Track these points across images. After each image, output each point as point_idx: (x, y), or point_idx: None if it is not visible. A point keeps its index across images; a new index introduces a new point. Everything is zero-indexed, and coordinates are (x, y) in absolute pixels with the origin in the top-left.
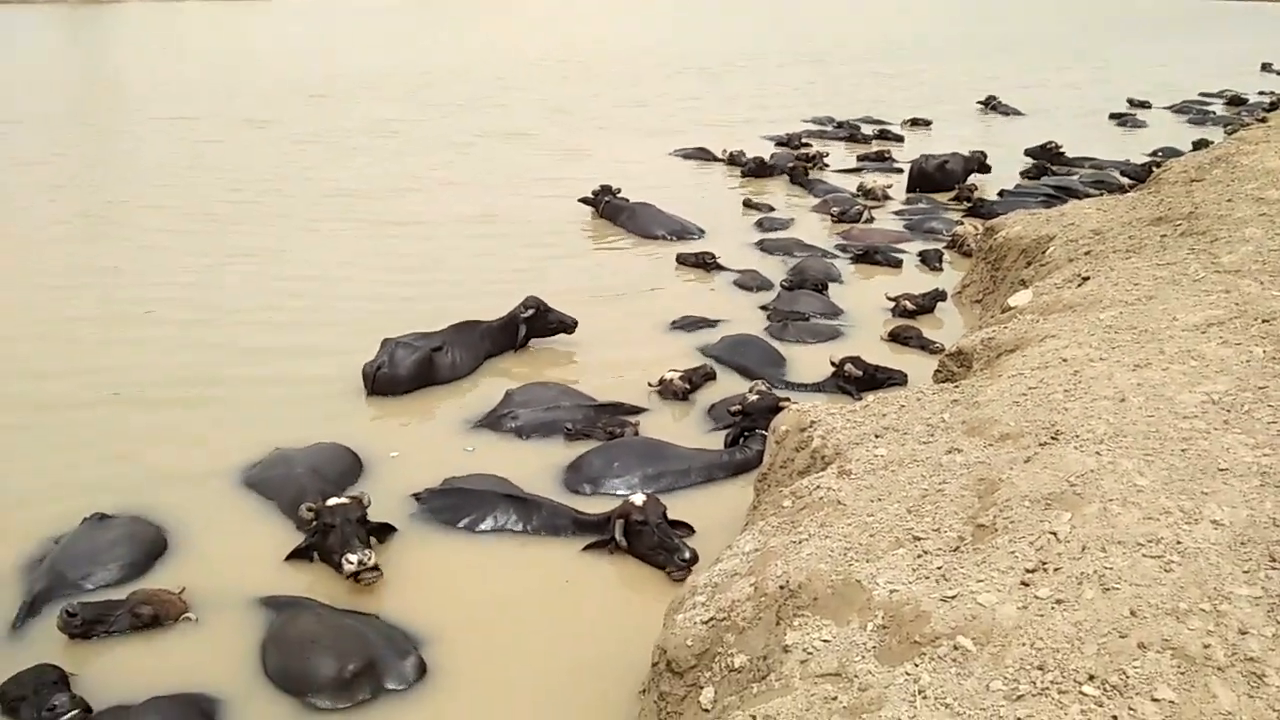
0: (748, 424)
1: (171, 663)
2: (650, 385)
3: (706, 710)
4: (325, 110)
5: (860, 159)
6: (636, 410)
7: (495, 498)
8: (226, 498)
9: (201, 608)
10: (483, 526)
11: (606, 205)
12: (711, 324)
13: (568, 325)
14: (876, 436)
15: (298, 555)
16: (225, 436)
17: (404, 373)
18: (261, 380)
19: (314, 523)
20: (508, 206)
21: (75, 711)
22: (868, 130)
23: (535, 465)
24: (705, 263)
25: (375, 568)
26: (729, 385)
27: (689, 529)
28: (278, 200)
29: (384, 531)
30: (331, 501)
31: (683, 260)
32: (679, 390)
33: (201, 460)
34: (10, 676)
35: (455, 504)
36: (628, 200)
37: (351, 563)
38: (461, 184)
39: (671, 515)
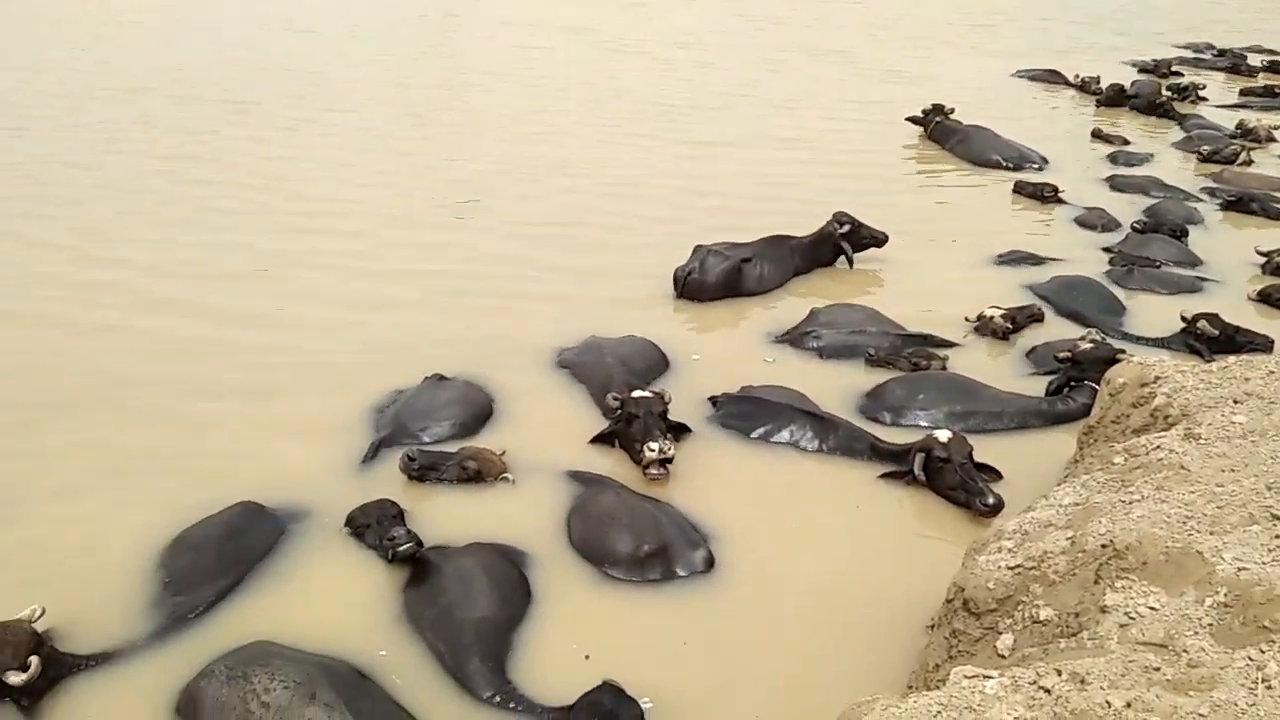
0: (1075, 374)
1: (488, 515)
2: (968, 320)
3: (1003, 656)
4: (638, 16)
5: (1244, 93)
6: (947, 344)
7: (792, 411)
8: (545, 376)
9: (518, 471)
10: (777, 438)
11: (936, 126)
12: (1040, 261)
13: (879, 239)
14: (1235, 402)
15: (601, 440)
16: (549, 321)
17: (712, 280)
18: (583, 273)
19: (618, 411)
20: (819, 128)
21: (410, 544)
22: (1255, 61)
23: (833, 386)
24: (1044, 195)
25: (669, 460)
26: (1055, 329)
27: (995, 474)
28: (590, 110)
29: (680, 430)
30: (636, 394)
31: (1020, 190)
32: (999, 329)
33: (527, 339)
34: (358, 506)
35: (751, 413)
36: (960, 123)
37: (653, 450)
38: (771, 103)
39: (978, 457)
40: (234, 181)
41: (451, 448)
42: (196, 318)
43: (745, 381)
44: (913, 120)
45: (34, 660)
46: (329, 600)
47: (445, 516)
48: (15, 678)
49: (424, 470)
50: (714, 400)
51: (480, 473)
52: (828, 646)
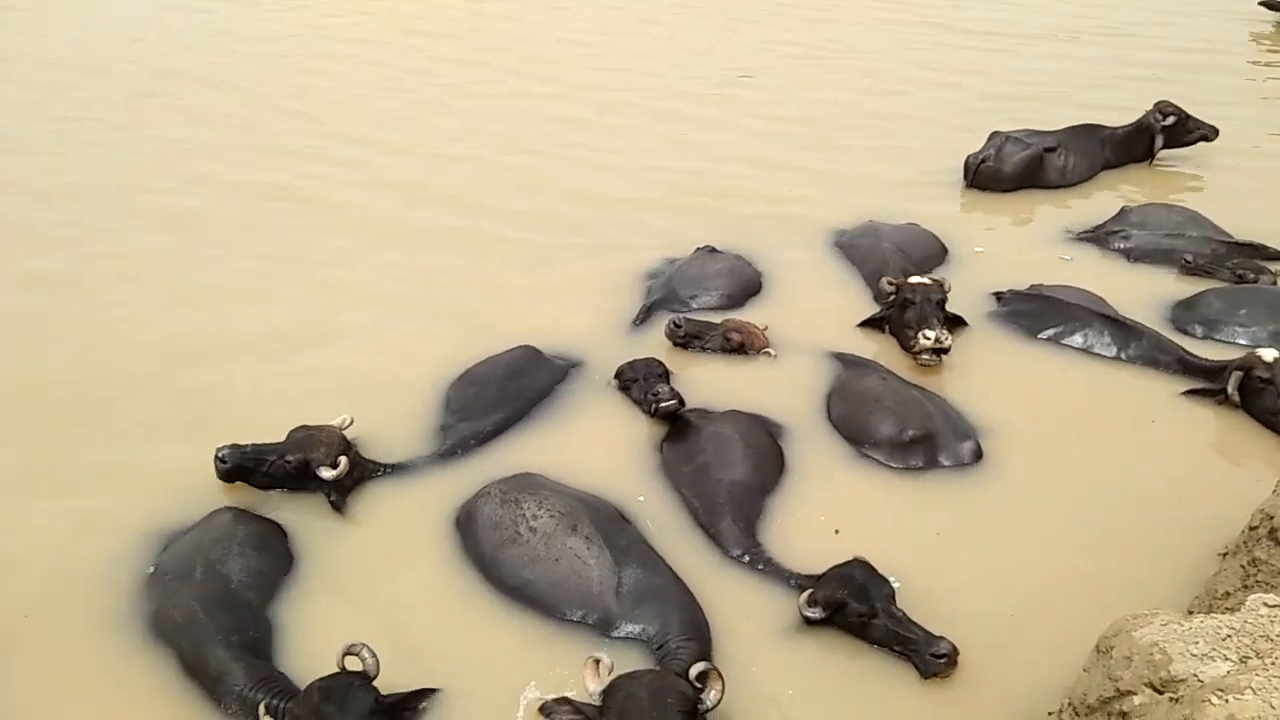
0: None
1: (747, 386)
2: None
3: None
4: None
5: None
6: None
7: (1089, 314)
8: (818, 256)
9: (780, 347)
10: (1067, 341)
11: None
12: None
13: (1208, 133)
14: None
15: (871, 324)
16: (826, 202)
17: (1009, 169)
18: (865, 154)
19: (893, 296)
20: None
21: (673, 401)
22: None
23: (1139, 292)
24: None
25: (945, 350)
26: None
27: None
28: None
29: (956, 323)
30: (914, 279)
31: None
32: None
33: (803, 218)
34: (627, 362)
35: (1040, 311)
36: None
37: (928, 339)
38: None
39: None
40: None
41: (717, 318)
42: (488, 184)
43: (1035, 279)
44: (1268, 4)
45: (343, 460)
46: (594, 444)
47: (706, 383)
48: (327, 473)
49: (688, 338)
50: (999, 296)
51: (743, 345)
52: (1099, 558)
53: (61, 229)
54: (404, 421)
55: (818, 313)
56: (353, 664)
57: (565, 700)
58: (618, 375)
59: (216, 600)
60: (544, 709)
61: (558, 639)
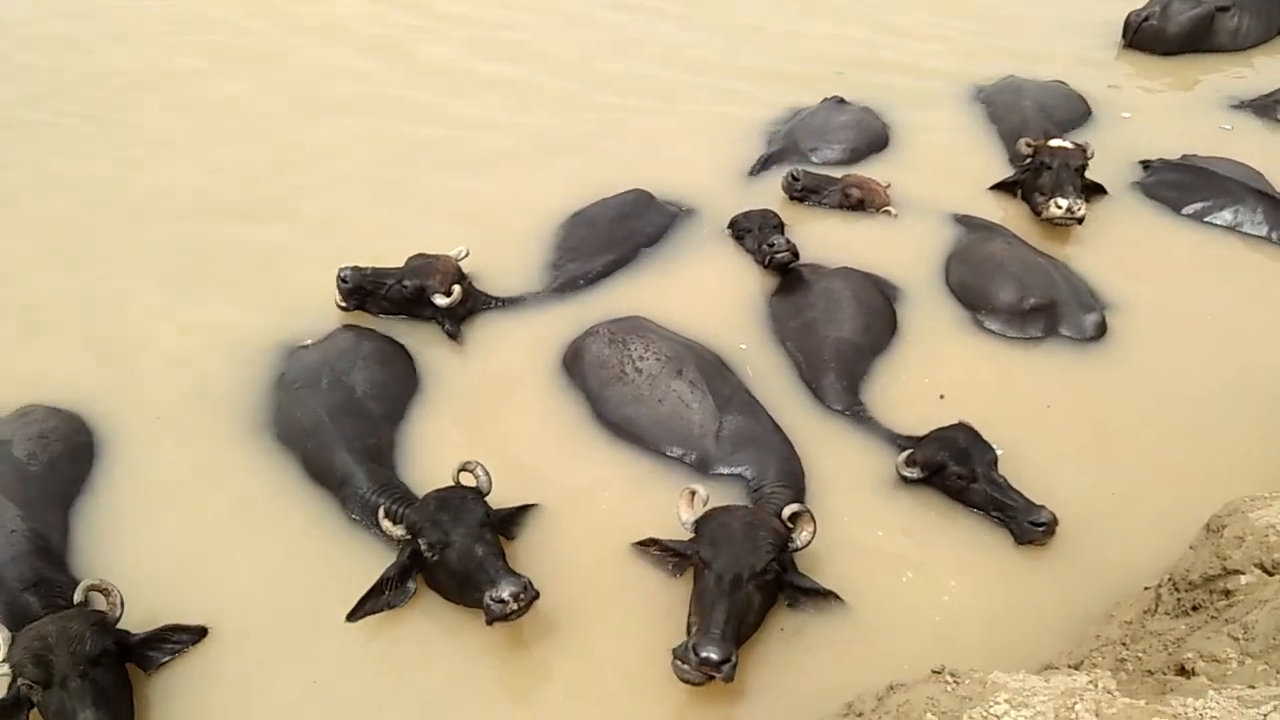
0: None
1: (863, 244)
2: None
3: None
4: None
5: None
6: None
7: (1242, 189)
8: (952, 113)
9: (902, 206)
10: (1214, 217)
11: None
12: None
13: None
14: None
15: (1003, 187)
16: (964, 53)
17: (1174, 29)
18: (1010, 5)
19: (1030, 159)
20: None
21: (786, 253)
22: None
23: None
24: None
25: (1079, 219)
26: None
27: None
28: None
29: (1094, 191)
30: (1054, 143)
31: None
32: None
33: (941, 73)
34: (742, 211)
35: (1189, 184)
36: None
37: (1060, 207)
38: None
39: None
40: None
41: (838, 172)
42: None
43: (1188, 149)
44: None
45: (456, 289)
46: (702, 291)
47: (821, 238)
48: (441, 300)
49: (805, 191)
50: (1146, 164)
51: (862, 201)
52: (1215, 447)
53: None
54: (517, 257)
55: (946, 173)
56: (467, 480)
57: (654, 541)
58: (732, 224)
59: (342, 408)
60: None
61: (656, 473)
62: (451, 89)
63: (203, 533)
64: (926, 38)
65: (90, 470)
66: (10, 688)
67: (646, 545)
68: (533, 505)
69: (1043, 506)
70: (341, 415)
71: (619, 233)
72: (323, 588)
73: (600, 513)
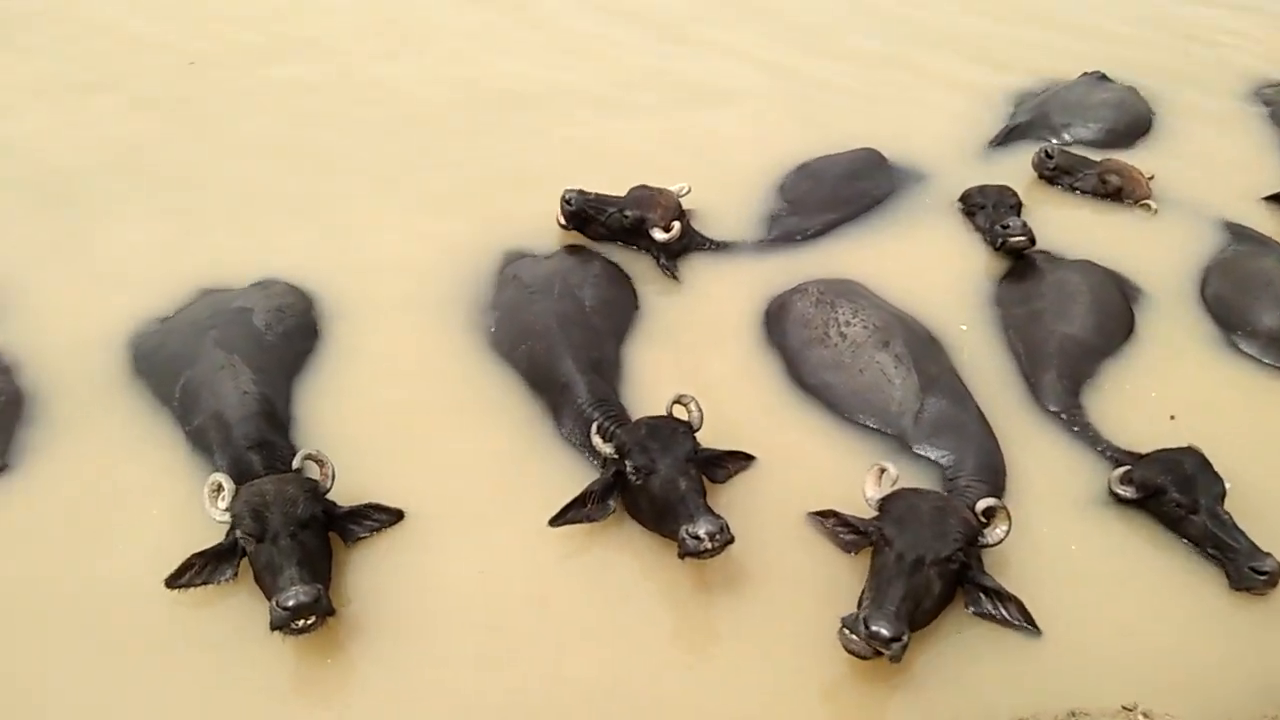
0: None
1: (1112, 237)
2: None
3: None
4: None
5: None
6: None
7: None
8: (1234, 105)
9: (1164, 201)
10: None
11: None
12: None
13: None
14: None
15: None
16: (1253, 45)
17: None
18: None
19: None
20: None
21: (1023, 237)
22: None
23: None
24: None
25: None
26: None
27: None
28: None
29: None
30: None
31: None
32: None
33: (1220, 64)
34: (977, 185)
35: None
36: None
37: None
38: None
39: None
40: None
41: (1095, 155)
42: None
43: None
44: None
45: (675, 225)
46: (923, 264)
47: (1063, 224)
48: (659, 234)
49: (1058, 171)
50: None
51: (1120, 190)
52: None
53: None
54: (736, 200)
55: (1218, 171)
56: (679, 413)
57: (832, 513)
58: (964, 198)
59: (572, 317)
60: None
61: (845, 444)
62: (706, 11)
63: (411, 421)
64: (1208, 27)
65: (316, 347)
66: (228, 534)
67: (824, 516)
68: (746, 456)
69: (1269, 554)
70: (571, 324)
71: (844, 191)
72: (515, 490)
73: (784, 475)
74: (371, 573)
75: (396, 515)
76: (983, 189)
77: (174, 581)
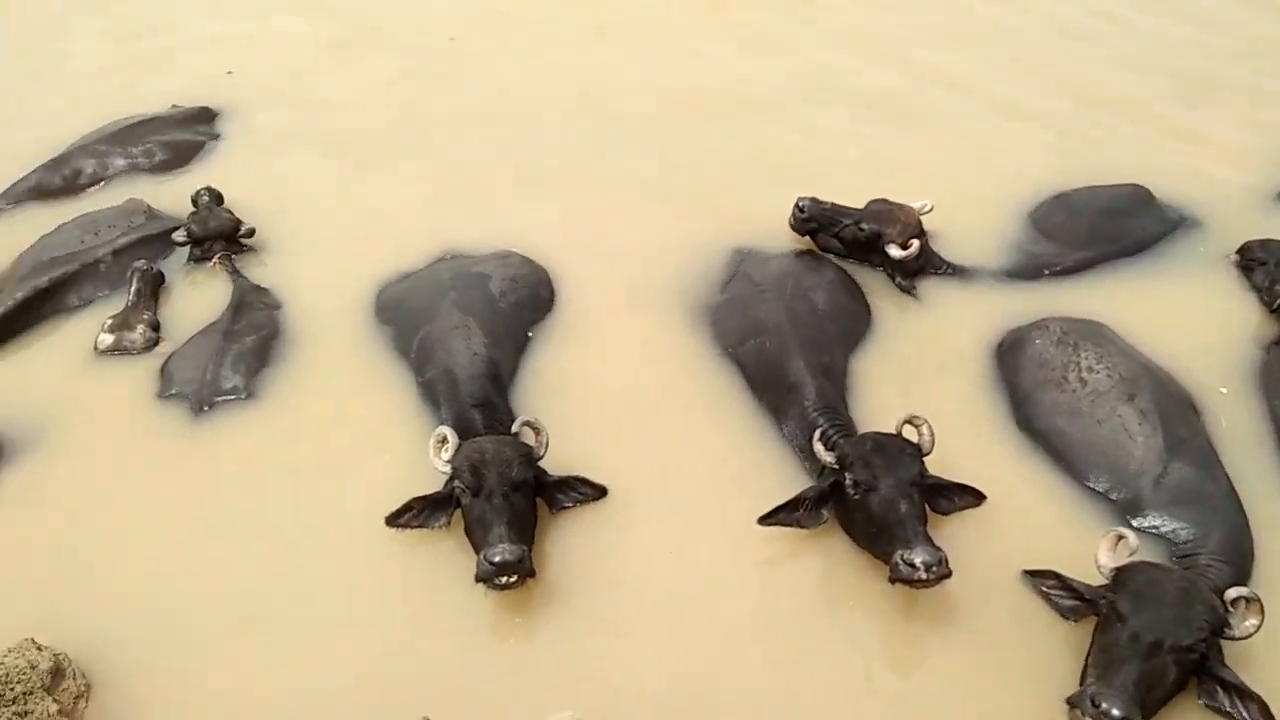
0: None
1: None
2: None
3: None
4: None
5: None
6: None
7: None
8: None
9: None
10: None
11: None
12: None
13: None
14: None
15: None
16: None
17: None
18: None
19: None
20: None
21: None
22: None
23: None
24: None
25: None
26: None
27: None
28: None
29: None
30: None
31: None
32: None
33: None
34: (1260, 240)
35: None
36: None
37: None
38: None
39: None
40: None
41: None
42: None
43: None
44: None
45: (914, 243)
46: (1185, 316)
47: None
48: (895, 251)
49: None
50: None
51: None
52: None
53: None
54: (981, 224)
55: None
56: (909, 433)
57: (1053, 574)
58: (1242, 251)
59: (804, 318)
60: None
61: (1071, 500)
62: (944, 39)
63: (626, 402)
64: None
65: (544, 320)
66: (446, 484)
67: (1044, 576)
68: (977, 493)
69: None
70: (803, 324)
71: (1105, 228)
72: (723, 483)
73: (998, 520)
74: (571, 543)
75: (601, 491)
76: (1265, 244)
77: (394, 520)
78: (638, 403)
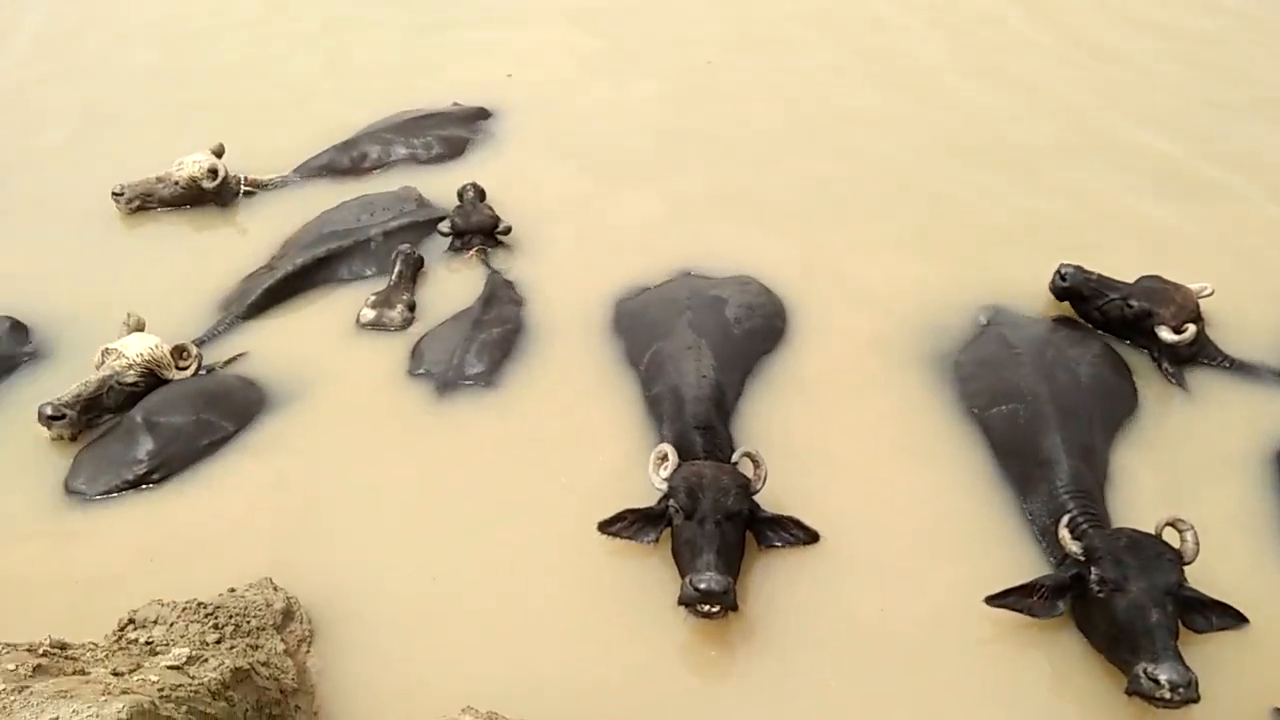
0: None
1: None
2: None
3: None
4: None
5: None
6: None
7: None
8: None
9: None
10: None
11: None
12: None
13: None
14: None
15: None
16: None
17: None
18: None
19: None
20: None
21: None
22: None
23: None
24: None
25: None
26: None
27: None
28: None
29: None
30: None
31: None
32: None
33: None
34: None
35: None
36: None
37: None
38: None
39: None
40: None
41: None
42: None
43: None
44: None
45: (1190, 328)
46: None
47: None
48: (1167, 335)
49: None
50: None
51: None
52: None
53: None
54: (1265, 319)
55: None
56: (1171, 536)
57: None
58: None
59: (1065, 390)
60: None
61: None
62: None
63: (852, 448)
64: None
65: (775, 351)
66: (660, 501)
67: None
68: (1239, 615)
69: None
70: (1063, 397)
71: None
72: (946, 550)
73: (1263, 653)
74: (775, 584)
75: (814, 536)
76: None
77: (606, 527)
78: (864, 451)
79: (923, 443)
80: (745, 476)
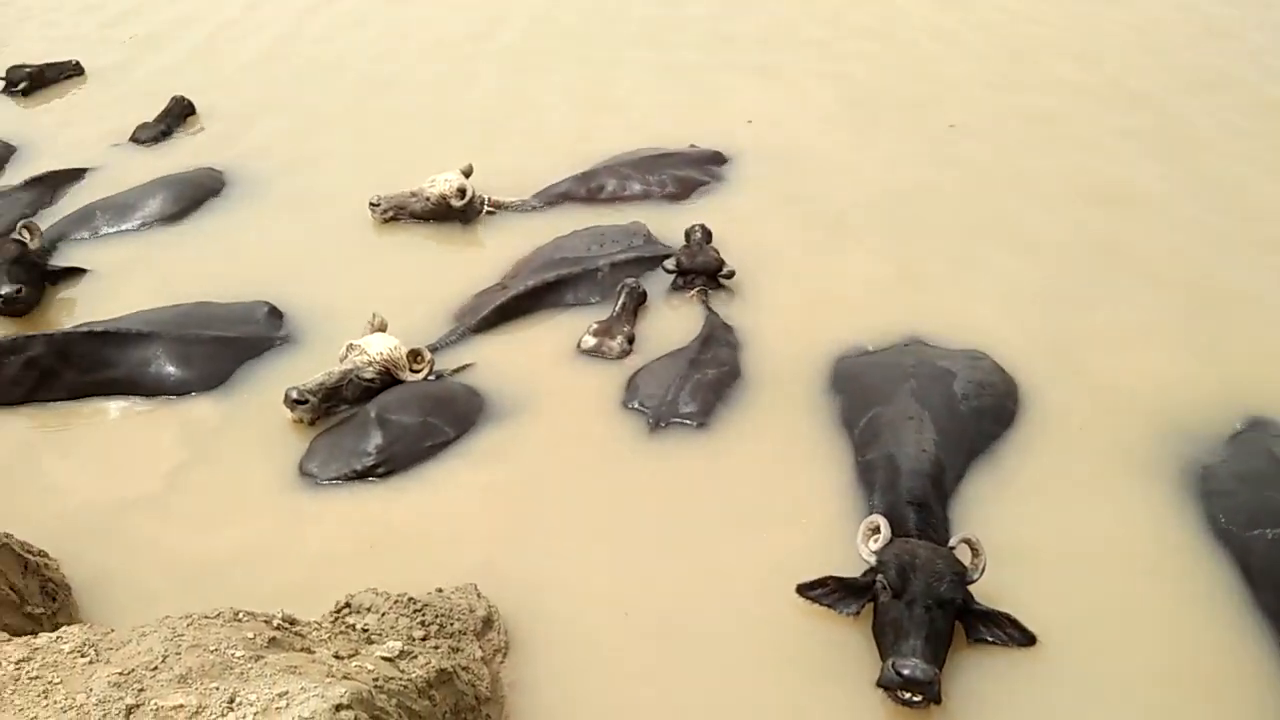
0: None
1: None
2: None
3: None
4: None
5: None
6: None
7: None
8: None
9: None
10: None
11: None
12: None
13: None
14: None
15: None
16: None
17: None
18: None
19: None
20: None
21: None
22: None
23: None
24: None
25: None
26: None
27: None
28: None
29: None
30: None
31: None
32: None
33: None
34: None
35: None
36: None
37: None
38: None
39: None
40: None
41: None
42: None
43: None
44: None
45: None
46: None
47: None
48: None
49: None
50: None
51: None
52: None
53: None
54: None
55: None
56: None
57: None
58: None
59: None
60: None
61: None
62: None
63: (1080, 551)
64: None
65: (1004, 435)
66: (866, 573)
67: (817, 586)
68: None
69: None
70: None
71: None
72: (1180, 686)
73: None
74: (980, 682)
75: (1030, 639)
76: None
77: (805, 590)
78: (1094, 556)
79: (1162, 558)
80: (962, 564)
